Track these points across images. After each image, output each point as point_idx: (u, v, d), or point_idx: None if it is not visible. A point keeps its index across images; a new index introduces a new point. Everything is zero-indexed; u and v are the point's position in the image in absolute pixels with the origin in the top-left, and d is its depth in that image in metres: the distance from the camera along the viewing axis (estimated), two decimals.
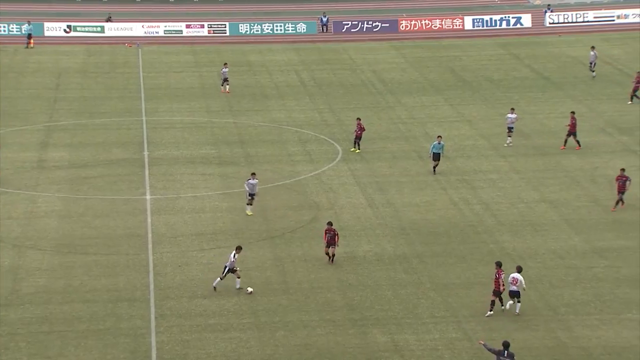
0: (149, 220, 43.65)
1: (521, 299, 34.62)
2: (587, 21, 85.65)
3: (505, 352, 29.99)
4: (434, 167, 48.90)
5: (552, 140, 54.11)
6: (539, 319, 34.57)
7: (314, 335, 33.65)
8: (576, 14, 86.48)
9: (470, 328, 34.01)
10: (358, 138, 53.12)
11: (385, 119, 59.36)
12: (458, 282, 37.42)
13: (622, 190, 43.58)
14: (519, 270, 34.91)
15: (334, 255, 38.85)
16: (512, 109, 54.71)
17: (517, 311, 34.66)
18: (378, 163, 51.39)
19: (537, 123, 57.31)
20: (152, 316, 34.82)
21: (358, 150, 52.88)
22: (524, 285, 34.65)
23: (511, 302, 34.69)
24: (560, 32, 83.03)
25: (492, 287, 34.67)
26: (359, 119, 53.76)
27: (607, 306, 35.36)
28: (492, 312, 34.53)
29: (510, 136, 53.39)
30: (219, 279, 36.59)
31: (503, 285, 34.46)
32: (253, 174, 44.40)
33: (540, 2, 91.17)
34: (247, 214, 43.78)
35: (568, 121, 52.85)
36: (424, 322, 34.47)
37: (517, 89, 65.70)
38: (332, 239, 38.59)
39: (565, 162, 50.94)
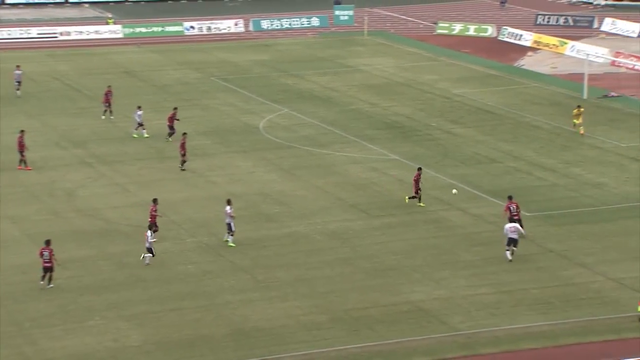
0: None
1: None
2: (32, 37, 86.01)
3: None
4: None
5: (10, 156, 53.74)
6: (4, 335, 34.35)
7: None
8: (20, 30, 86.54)
9: None
10: None
11: None
12: None
13: (154, 221, 42.08)
14: (150, 227, 40.90)
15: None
16: None
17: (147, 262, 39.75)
18: None
19: None
20: None
21: None
22: (152, 240, 40.13)
23: (148, 255, 39.91)
24: (7, 48, 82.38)
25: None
26: None
27: (71, 316, 36.09)
28: (43, 282, 37.88)
29: None
30: None
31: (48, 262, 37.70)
32: None
33: None
34: None
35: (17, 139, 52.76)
36: None
37: None
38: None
39: (24, 177, 50.91)
